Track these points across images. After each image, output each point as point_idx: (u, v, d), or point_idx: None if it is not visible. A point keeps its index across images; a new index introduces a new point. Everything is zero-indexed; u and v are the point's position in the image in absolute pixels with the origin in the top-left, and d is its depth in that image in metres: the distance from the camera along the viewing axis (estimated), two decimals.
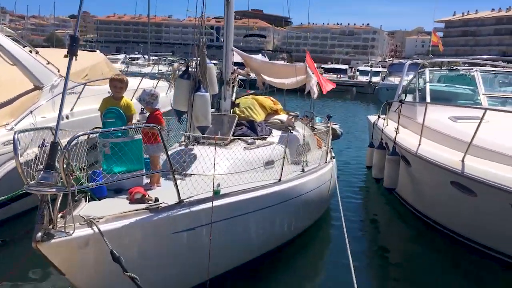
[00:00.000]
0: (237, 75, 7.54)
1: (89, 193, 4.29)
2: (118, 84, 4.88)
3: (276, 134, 7.60)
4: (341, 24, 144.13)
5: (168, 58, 41.52)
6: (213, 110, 6.93)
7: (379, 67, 56.71)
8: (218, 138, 6.18)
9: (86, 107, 8.50)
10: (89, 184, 3.46)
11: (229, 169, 5.64)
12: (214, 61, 11.08)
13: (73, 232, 3.28)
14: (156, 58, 38.54)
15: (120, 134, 4.67)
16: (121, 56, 39.96)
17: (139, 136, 4.75)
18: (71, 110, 8.35)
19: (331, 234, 7.64)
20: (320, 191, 6.98)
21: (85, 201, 4.21)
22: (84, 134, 3.36)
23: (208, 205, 4.45)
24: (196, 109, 5.57)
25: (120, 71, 19.96)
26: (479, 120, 5.73)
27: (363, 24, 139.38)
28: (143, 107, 5.50)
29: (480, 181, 5.51)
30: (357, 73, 51.43)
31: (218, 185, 4.84)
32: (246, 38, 37.66)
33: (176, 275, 4.46)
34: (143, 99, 4.95)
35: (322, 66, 54.82)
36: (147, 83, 12.43)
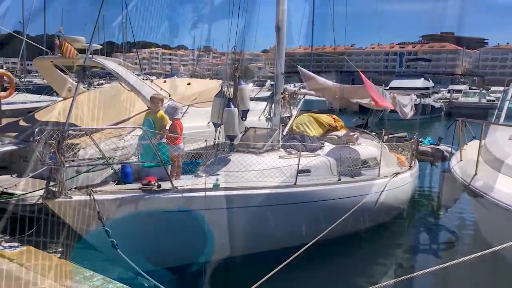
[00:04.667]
0: (288, 95, 8.44)
1: (118, 178, 5.93)
2: (154, 101, 6.44)
3: (329, 147, 8.19)
4: None
5: None
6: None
7: None
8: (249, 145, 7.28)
9: (190, 124, 10.42)
10: (71, 164, 5.02)
11: (258, 173, 6.68)
12: None
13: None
14: None
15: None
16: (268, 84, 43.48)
17: (164, 140, 6.19)
18: None
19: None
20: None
21: (113, 182, 5.86)
22: (68, 130, 4.93)
23: (202, 193, 5.62)
24: (225, 121, 6.79)
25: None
26: None
27: None
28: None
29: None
30: None
31: (217, 179, 5.97)
32: (410, 63, 36.83)
33: (172, 248, 5.66)
34: (167, 111, 6.40)
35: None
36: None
